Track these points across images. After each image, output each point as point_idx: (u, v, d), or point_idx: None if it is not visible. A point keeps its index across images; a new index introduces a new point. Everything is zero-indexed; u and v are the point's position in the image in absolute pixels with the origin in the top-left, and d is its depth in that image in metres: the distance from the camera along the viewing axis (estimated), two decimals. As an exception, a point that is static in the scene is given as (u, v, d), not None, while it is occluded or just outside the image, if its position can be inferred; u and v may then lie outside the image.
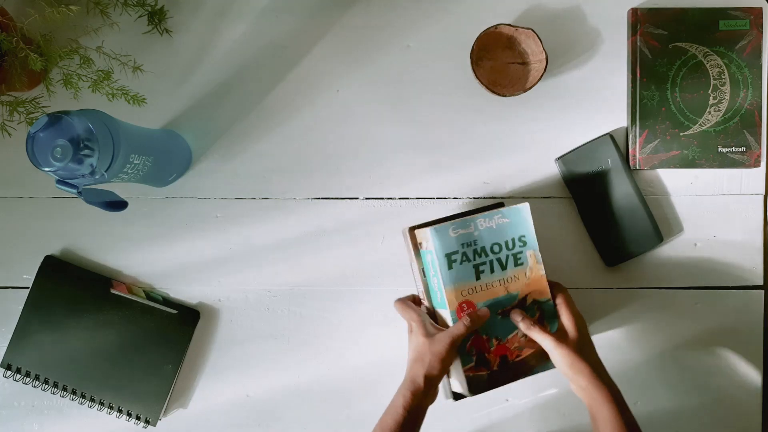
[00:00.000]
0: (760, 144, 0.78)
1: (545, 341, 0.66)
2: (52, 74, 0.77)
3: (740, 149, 0.78)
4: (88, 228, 0.81)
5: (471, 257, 0.70)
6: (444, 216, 0.74)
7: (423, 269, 0.74)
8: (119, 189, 0.69)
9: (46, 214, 0.81)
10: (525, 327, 0.67)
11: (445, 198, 0.81)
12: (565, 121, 0.80)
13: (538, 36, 0.74)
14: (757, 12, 0.78)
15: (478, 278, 0.70)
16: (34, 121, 0.71)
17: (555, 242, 0.80)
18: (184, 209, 0.81)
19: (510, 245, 0.70)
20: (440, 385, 0.68)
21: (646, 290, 0.80)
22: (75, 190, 0.60)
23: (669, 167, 0.78)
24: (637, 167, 0.78)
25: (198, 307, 0.81)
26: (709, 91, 0.77)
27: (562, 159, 0.79)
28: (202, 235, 0.81)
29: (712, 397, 0.80)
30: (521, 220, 0.71)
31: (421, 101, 0.80)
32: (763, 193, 0.80)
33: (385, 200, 0.81)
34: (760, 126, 0.78)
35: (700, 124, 0.77)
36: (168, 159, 0.76)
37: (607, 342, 0.80)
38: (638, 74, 0.78)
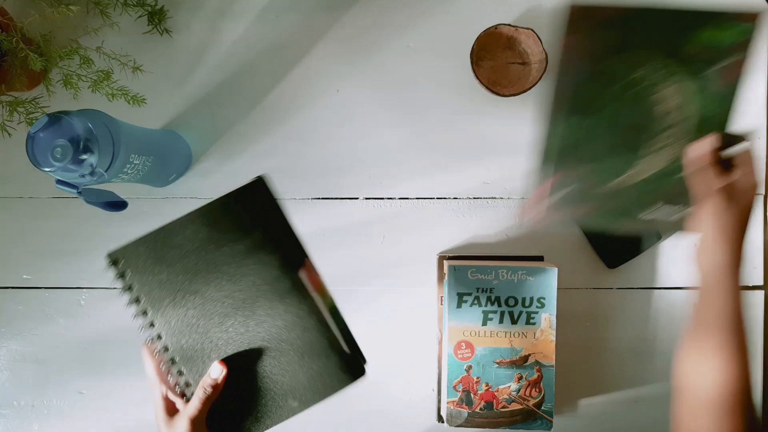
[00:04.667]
0: None
1: (714, 193, 0.50)
2: (52, 74, 0.77)
3: (685, 209, 0.57)
4: (88, 228, 0.81)
5: (483, 303, 0.71)
6: (479, 255, 0.77)
7: (442, 297, 0.75)
8: (119, 189, 0.68)
9: (46, 214, 0.81)
10: (704, 163, 0.51)
11: (445, 198, 0.81)
12: (565, 121, 0.80)
13: (538, 36, 0.74)
14: (757, 19, 0.53)
15: (484, 324, 0.71)
16: (34, 121, 0.71)
17: (555, 242, 0.80)
18: (184, 209, 0.81)
19: (527, 303, 0.71)
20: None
21: (646, 290, 0.80)
22: (75, 190, 0.60)
23: (574, 228, 0.68)
24: (523, 224, 0.66)
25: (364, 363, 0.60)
26: (660, 127, 0.55)
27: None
28: (202, 235, 0.81)
29: (712, 397, 0.80)
30: (545, 282, 0.71)
31: (421, 101, 0.80)
32: (763, 193, 0.80)
33: (385, 200, 0.81)
34: None
35: (637, 172, 0.57)
36: (168, 159, 0.76)
37: (606, 342, 0.80)
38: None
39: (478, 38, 0.75)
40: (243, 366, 0.56)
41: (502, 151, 0.80)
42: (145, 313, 0.56)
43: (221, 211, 0.56)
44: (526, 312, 0.71)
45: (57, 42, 0.75)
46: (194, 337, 0.55)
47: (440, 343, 0.76)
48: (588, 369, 0.80)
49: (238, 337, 0.56)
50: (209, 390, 0.53)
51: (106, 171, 0.60)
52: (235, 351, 0.56)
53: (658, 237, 0.79)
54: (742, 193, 0.51)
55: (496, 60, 0.79)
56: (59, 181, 0.59)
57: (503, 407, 0.72)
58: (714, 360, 0.48)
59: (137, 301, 0.55)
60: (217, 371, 0.54)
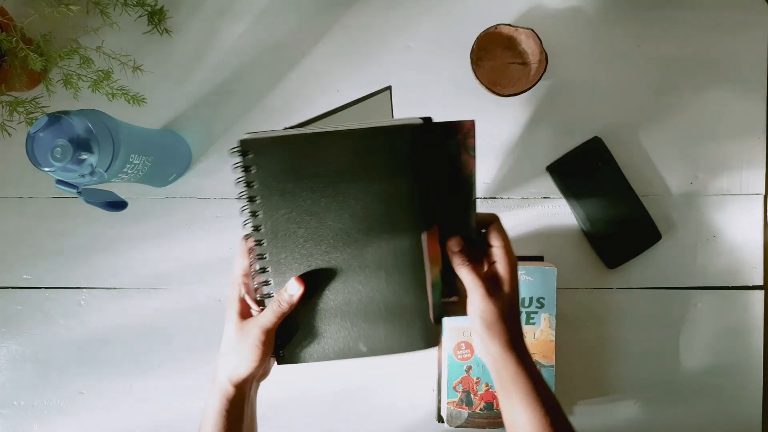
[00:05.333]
0: None
1: (475, 288, 0.52)
2: (52, 74, 0.77)
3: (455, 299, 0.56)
4: (88, 228, 0.81)
5: None
6: None
7: None
8: (119, 189, 0.68)
9: (46, 214, 0.81)
10: (458, 262, 0.53)
11: (445, 198, 0.81)
12: (565, 121, 0.80)
13: (538, 36, 0.74)
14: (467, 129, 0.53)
15: None
16: (34, 121, 0.71)
17: (555, 242, 0.80)
18: (184, 209, 0.81)
19: (526, 303, 0.71)
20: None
21: (646, 290, 0.80)
22: (75, 190, 0.60)
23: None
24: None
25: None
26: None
27: (552, 167, 0.79)
28: (202, 235, 0.81)
29: (712, 397, 0.80)
30: (545, 282, 0.71)
31: (421, 101, 0.80)
32: (763, 193, 0.80)
33: (385, 200, 0.81)
34: None
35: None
36: (168, 159, 0.76)
37: (606, 342, 0.80)
38: None
39: (478, 38, 0.75)
40: (331, 296, 0.54)
41: (502, 151, 0.80)
42: (255, 214, 0.51)
43: (378, 143, 0.50)
44: (526, 312, 0.71)
45: (57, 42, 0.75)
46: (295, 256, 0.52)
47: (440, 343, 0.76)
48: (588, 369, 0.80)
49: (338, 271, 0.53)
50: (284, 305, 0.52)
51: (106, 171, 0.60)
52: (330, 282, 0.53)
53: (658, 237, 0.79)
54: (504, 275, 0.53)
55: (496, 60, 0.79)
56: (59, 181, 0.59)
57: None
58: (520, 414, 0.52)
59: (252, 199, 0.51)
60: (294, 288, 0.52)
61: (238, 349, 0.52)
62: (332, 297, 0.53)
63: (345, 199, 0.51)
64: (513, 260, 0.53)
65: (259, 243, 0.52)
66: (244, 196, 0.51)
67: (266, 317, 0.52)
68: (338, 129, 0.49)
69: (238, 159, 0.50)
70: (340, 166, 0.50)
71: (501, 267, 0.53)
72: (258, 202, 0.51)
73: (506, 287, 0.52)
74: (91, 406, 0.81)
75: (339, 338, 0.54)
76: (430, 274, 0.53)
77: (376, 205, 0.51)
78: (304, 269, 0.52)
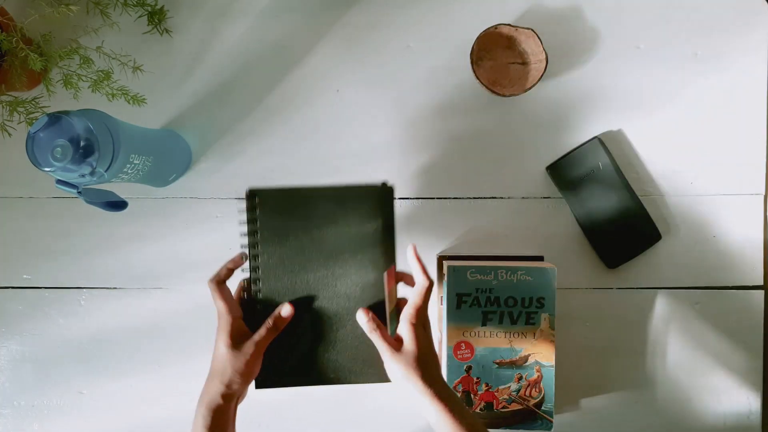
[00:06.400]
0: None
1: (382, 352, 0.60)
2: (52, 74, 0.77)
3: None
4: (88, 228, 0.81)
5: (483, 303, 0.71)
6: (478, 255, 0.77)
7: (442, 297, 0.75)
8: (119, 189, 0.68)
9: (46, 214, 0.81)
10: (369, 328, 0.61)
11: (445, 198, 0.81)
12: (565, 121, 0.80)
13: (538, 36, 0.74)
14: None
15: (484, 324, 0.71)
16: (34, 121, 0.71)
17: (555, 242, 0.80)
18: (184, 209, 0.81)
19: (526, 303, 0.71)
20: None
21: (646, 290, 0.80)
22: (75, 190, 0.60)
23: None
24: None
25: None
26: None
27: (552, 167, 0.79)
28: (201, 235, 0.81)
29: (711, 396, 0.80)
30: (545, 282, 0.71)
31: (421, 101, 0.80)
32: (763, 193, 0.80)
33: (385, 200, 0.81)
34: None
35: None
36: (168, 159, 0.76)
37: (606, 342, 0.80)
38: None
39: (478, 38, 0.75)
40: (308, 325, 0.63)
41: (502, 151, 0.80)
42: (255, 245, 0.63)
43: (351, 198, 0.64)
44: (526, 312, 0.71)
45: (57, 42, 0.75)
46: (283, 280, 0.63)
47: (440, 343, 0.76)
48: (588, 369, 0.80)
49: (314, 299, 0.64)
50: (278, 325, 0.61)
51: (106, 171, 0.60)
52: (307, 309, 0.63)
53: (658, 237, 0.79)
54: (404, 335, 0.59)
55: (496, 60, 0.79)
56: (59, 181, 0.59)
57: (503, 407, 0.72)
58: None
59: (255, 233, 0.63)
60: (286, 310, 0.62)
61: (234, 363, 0.58)
62: (306, 324, 0.63)
63: (326, 236, 0.63)
64: (413, 318, 0.60)
65: (256, 269, 0.63)
66: (250, 232, 0.63)
67: (261, 334, 0.60)
68: (323, 186, 0.64)
69: (248, 202, 0.63)
70: (323, 212, 0.63)
71: (402, 327, 0.60)
72: (258, 235, 0.63)
73: (407, 345, 0.59)
74: (91, 406, 0.81)
75: (311, 365, 0.64)
76: (388, 308, 0.63)
77: (348, 242, 0.64)
78: (290, 294, 0.63)
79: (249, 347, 0.59)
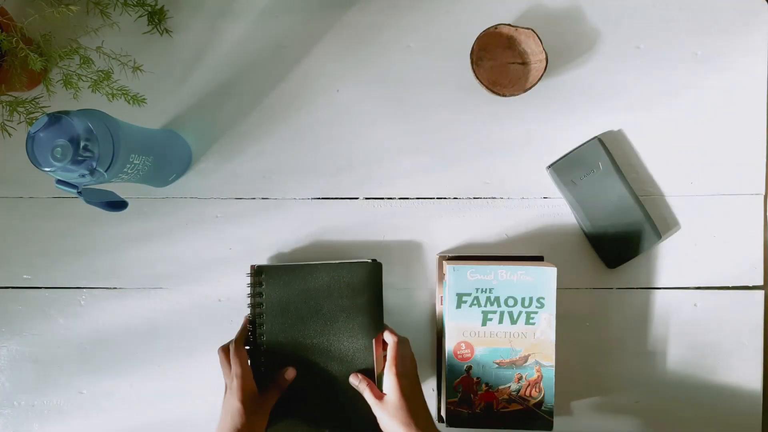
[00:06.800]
0: None
1: (370, 400, 0.68)
2: (52, 74, 0.77)
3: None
4: (88, 228, 0.81)
5: (483, 303, 0.71)
6: (478, 255, 0.77)
7: (442, 297, 0.75)
8: (119, 189, 0.69)
9: (46, 214, 0.81)
10: (360, 386, 0.70)
11: (445, 198, 0.81)
12: (565, 121, 0.80)
13: (538, 36, 0.74)
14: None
15: (483, 324, 0.71)
16: (34, 121, 0.71)
17: (555, 242, 0.80)
18: (184, 209, 0.81)
19: (526, 303, 0.71)
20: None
21: (646, 290, 0.80)
22: (75, 190, 0.59)
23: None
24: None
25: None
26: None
27: (553, 167, 0.79)
28: (202, 235, 0.81)
29: (712, 397, 0.80)
30: (544, 282, 0.71)
31: (421, 101, 0.80)
32: (763, 193, 0.80)
33: (385, 200, 0.81)
34: None
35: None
36: (168, 159, 0.76)
37: (606, 342, 0.80)
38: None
39: (478, 38, 0.75)
40: (308, 385, 0.72)
41: (502, 151, 0.80)
42: (261, 315, 0.73)
43: (344, 272, 0.73)
44: (526, 312, 0.71)
45: (57, 42, 0.75)
46: (284, 345, 0.72)
47: (440, 343, 0.76)
48: (588, 369, 0.80)
49: (311, 363, 0.72)
50: (283, 385, 0.70)
51: (106, 171, 0.60)
52: (304, 370, 0.72)
53: (658, 237, 0.79)
54: (386, 388, 0.67)
55: (496, 60, 0.79)
56: (59, 181, 0.59)
57: (503, 407, 0.72)
58: None
59: (261, 304, 0.73)
60: (291, 373, 0.71)
61: (246, 424, 0.64)
62: (306, 384, 0.71)
63: (321, 306, 0.72)
64: (394, 368, 0.67)
65: (262, 335, 0.72)
66: (257, 304, 0.73)
67: (272, 393, 0.69)
68: (319, 263, 0.74)
69: (253, 278, 0.73)
70: (319, 285, 0.73)
71: (386, 378, 0.67)
72: (263, 306, 0.73)
73: (390, 395, 0.66)
74: (91, 406, 0.81)
75: (312, 420, 0.72)
76: (376, 370, 0.71)
77: (342, 312, 0.72)
78: (291, 358, 0.72)
79: (260, 407, 0.67)
